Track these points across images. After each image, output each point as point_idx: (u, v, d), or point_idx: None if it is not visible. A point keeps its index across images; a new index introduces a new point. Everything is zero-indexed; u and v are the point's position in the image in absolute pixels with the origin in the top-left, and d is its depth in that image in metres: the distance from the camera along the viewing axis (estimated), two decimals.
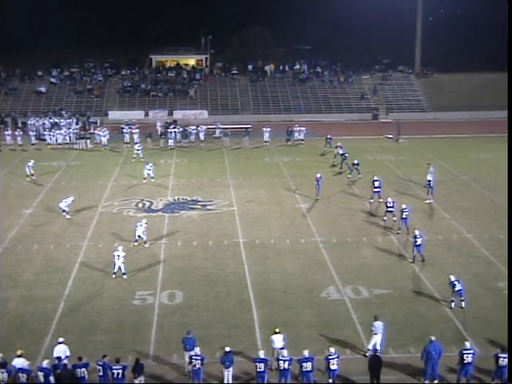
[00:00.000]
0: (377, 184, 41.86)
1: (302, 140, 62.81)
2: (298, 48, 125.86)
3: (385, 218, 37.95)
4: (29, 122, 67.65)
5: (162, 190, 45.60)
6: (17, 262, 32.76)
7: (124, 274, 30.45)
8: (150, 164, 48.48)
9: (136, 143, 57.91)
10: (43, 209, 41.34)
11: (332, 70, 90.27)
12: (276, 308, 27.66)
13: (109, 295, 28.93)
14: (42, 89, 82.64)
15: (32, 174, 48.35)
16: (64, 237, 36.22)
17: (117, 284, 29.97)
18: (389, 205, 37.57)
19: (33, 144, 61.57)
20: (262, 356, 21.76)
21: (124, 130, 63.61)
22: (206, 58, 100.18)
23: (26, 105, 79.55)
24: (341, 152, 51.77)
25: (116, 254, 30.45)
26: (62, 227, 37.88)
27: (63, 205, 39.17)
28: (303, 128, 63.54)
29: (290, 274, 31.15)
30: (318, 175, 43.17)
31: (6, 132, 63.48)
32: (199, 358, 21.67)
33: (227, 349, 22.00)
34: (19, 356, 21.74)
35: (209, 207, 41.90)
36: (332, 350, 21.99)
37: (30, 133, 63.52)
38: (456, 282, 27.19)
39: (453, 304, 27.37)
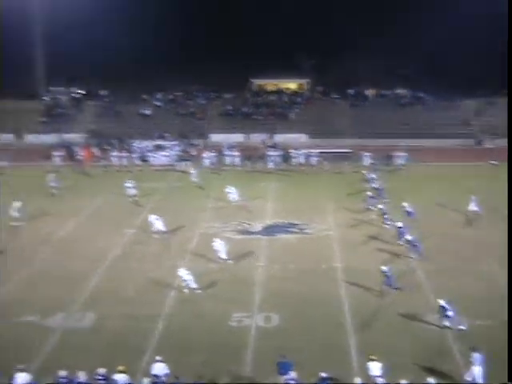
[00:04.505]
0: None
1: (402, 165, 61.86)
2: (399, 73, 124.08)
3: None
4: (133, 144, 69.70)
5: (259, 213, 45.81)
6: (117, 279, 33.65)
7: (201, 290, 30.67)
8: (233, 188, 47.91)
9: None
10: (143, 229, 42.23)
11: (434, 94, 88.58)
12: (373, 334, 27.18)
13: (205, 315, 29.21)
14: (147, 111, 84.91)
15: (135, 195, 49.58)
16: (163, 256, 36.94)
17: (214, 305, 30.23)
18: None
19: (137, 165, 63.25)
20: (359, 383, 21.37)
21: (225, 153, 64.69)
22: (307, 82, 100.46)
23: (131, 127, 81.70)
24: None
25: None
26: (160, 247, 38.65)
27: (159, 225, 40.06)
28: (404, 153, 62.59)
29: (389, 300, 30.57)
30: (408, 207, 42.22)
31: (112, 154, 65.59)
32: (294, 382, 21.47)
33: (323, 374, 21.71)
34: (121, 372, 22.20)
35: (306, 231, 41.78)
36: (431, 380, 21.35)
37: (134, 154, 65.52)
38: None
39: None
